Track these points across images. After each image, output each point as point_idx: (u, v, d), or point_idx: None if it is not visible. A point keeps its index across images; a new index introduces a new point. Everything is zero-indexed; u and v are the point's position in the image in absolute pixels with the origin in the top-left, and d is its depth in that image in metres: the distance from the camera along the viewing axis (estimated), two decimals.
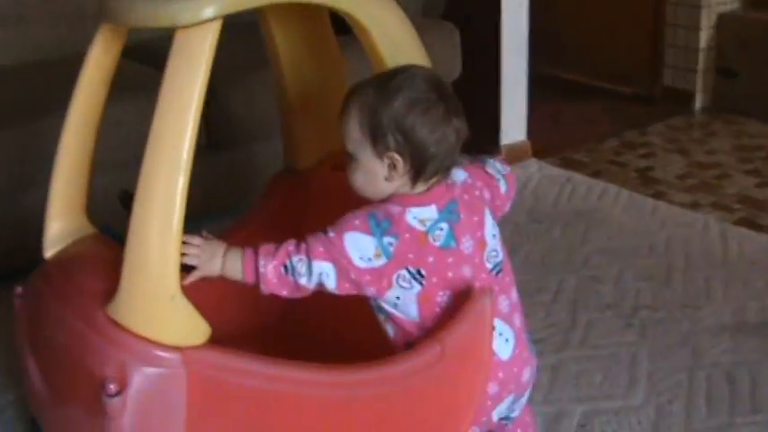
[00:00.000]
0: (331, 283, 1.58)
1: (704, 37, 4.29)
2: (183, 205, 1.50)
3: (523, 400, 1.79)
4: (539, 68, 3.69)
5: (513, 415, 1.78)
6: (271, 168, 2.94)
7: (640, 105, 4.45)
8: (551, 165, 3.64)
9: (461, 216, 1.64)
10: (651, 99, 4.49)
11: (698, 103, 4.38)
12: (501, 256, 1.71)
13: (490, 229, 1.70)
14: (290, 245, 1.58)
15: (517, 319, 1.75)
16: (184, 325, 1.54)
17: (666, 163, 3.71)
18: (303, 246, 1.57)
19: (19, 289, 1.89)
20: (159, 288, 1.52)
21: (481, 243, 1.67)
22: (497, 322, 1.69)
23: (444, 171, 1.63)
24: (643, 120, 4.21)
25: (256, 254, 1.58)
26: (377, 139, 1.58)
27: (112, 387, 1.50)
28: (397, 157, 1.58)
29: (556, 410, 2.16)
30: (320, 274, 1.57)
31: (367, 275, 1.58)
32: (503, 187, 1.77)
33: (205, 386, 1.54)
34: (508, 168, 1.83)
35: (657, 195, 3.36)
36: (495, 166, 1.79)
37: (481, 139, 3.46)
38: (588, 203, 3.28)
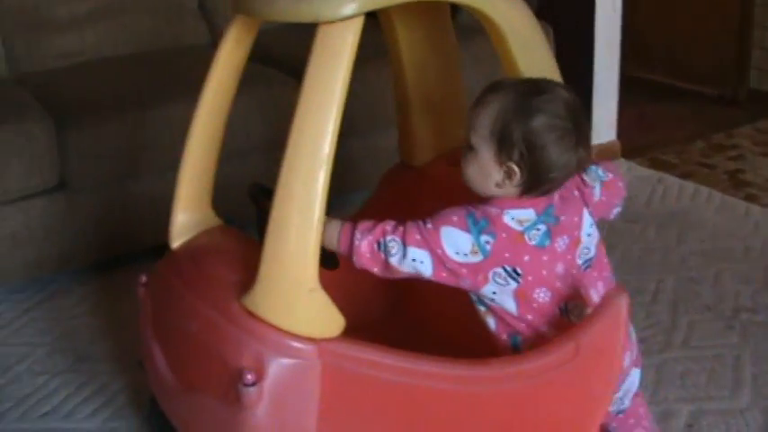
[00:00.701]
0: (427, 271, 1.60)
1: None
2: (324, 199, 1.52)
3: (632, 388, 1.80)
4: (623, 69, 3.67)
5: (623, 407, 1.80)
6: (369, 162, 2.99)
7: (725, 107, 4.41)
8: (641, 165, 3.62)
9: (560, 218, 1.65)
10: (736, 101, 4.44)
11: None
12: (592, 252, 1.72)
13: (587, 228, 1.70)
14: (387, 224, 1.61)
15: None
16: (321, 317, 1.56)
17: (757, 166, 3.67)
18: (401, 229, 1.60)
19: (143, 278, 1.92)
20: (298, 281, 1.54)
21: (576, 241, 1.68)
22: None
23: (553, 191, 1.64)
24: (729, 122, 4.17)
25: (354, 227, 1.61)
26: (503, 146, 1.58)
27: (250, 377, 1.53)
28: (515, 169, 1.58)
29: (662, 410, 2.15)
30: (413, 260, 1.59)
31: (463, 269, 1.60)
32: (596, 195, 1.76)
33: (339, 378, 1.56)
34: (610, 175, 1.81)
35: (749, 198, 3.33)
36: (594, 173, 1.77)
37: None
38: (681, 205, 3.26)
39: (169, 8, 3.38)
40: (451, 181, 1.79)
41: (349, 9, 1.52)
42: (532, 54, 1.80)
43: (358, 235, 1.60)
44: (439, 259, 1.59)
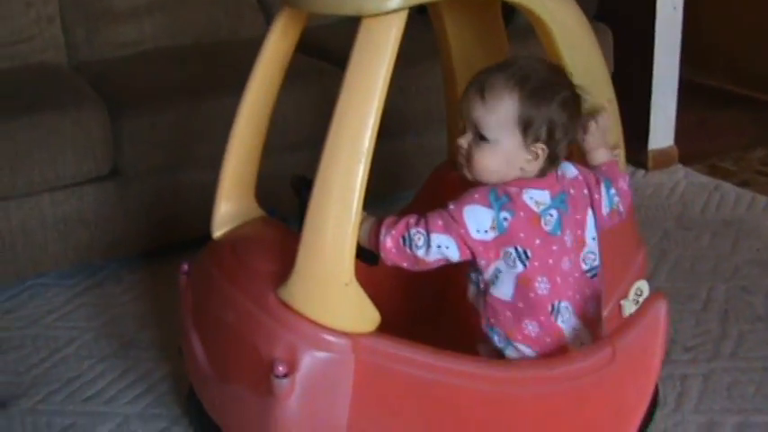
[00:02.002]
0: (454, 255, 1.62)
1: None
2: (363, 194, 1.52)
3: None
4: (682, 73, 3.61)
5: None
6: (421, 160, 2.98)
7: None
8: (698, 172, 3.56)
9: (569, 209, 1.69)
10: None
11: None
12: (598, 261, 1.74)
13: (591, 230, 1.73)
14: (410, 218, 1.62)
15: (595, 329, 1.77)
16: (355, 312, 1.56)
17: None
18: (423, 220, 1.61)
19: (185, 266, 1.93)
20: (334, 274, 1.54)
21: (580, 242, 1.71)
22: (578, 323, 1.72)
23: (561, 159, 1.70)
24: None
25: (380, 224, 1.62)
26: (529, 131, 1.62)
27: (281, 368, 1.53)
28: (543, 147, 1.63)
29: (707, 420, 2.11)
30: (439, 246, 1.60)
31: (480, 246, 1.61)
32: (604, 209, 1.78)
33: (372, 373, 1.56)
34: (621, 207, 1.83)
35: None
36: (609, 199, 1.79)
37: (629, 143, 3.42)
38: (737, 213, 3.20)
39: (227, 0, 3.39)
40: None
41: (393, 3, 1.52)
42: (581, 54, 1.79)
43: (383, 231, 1.61)
44: (462, 240, 1.60)
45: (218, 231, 1.89)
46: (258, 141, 1.88)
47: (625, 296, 1.96)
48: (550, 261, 1.65)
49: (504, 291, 1.67)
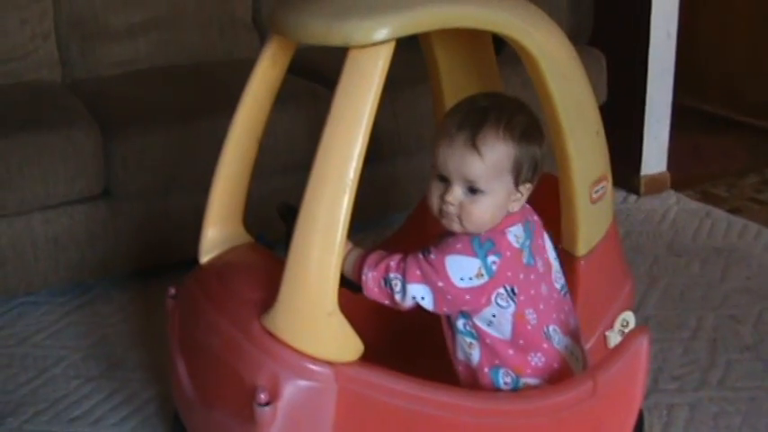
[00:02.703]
0: (428, 305, 1.62)
1: None
2: (347, 224, 1.52)
3: None
4: (677, 98, 3.62)
5: None
6: (413, 183, 2.99)
7: None
8: (690, 198, 3.57)
9: (534, 235, 1.70)
10: None
11: None
12: (564, 279, 1.77)
13: (551, 251, 1.76)
14: (392, 260, 1.62)
15: (581, 341, 1.79)
16: (339, 341, 1.57)
17: None
18: (402, 265, 1.61)
19: (172, 290, 1.94)
20: (317, 304, 1.54)
21: (548, 265, 1.73)
22: (569, 341, 1.73)
23: None
24: None
25: (364, 258, 1.63)
26: (519, 175, 1.63)
27: (264, 396, 1.53)
28: (529, 186, 1.66)
29: None
30: (414, 297, 1.61)
31: (467, 295, 1.61)
32: None
33: (354, 403, 1.57)
34: None
35: None
36: None
37: (621, 168, 3.42)
38: (728, 240, 3.21)
39: (222, 21, 3.40)
40: None
41: (381, 34, 1.52)
42: (569, 85, 1.79)
43: (365, 270, 1.62)
44: (440, 292, 1.60)
45: (205, 256, 1.89)
46: (247, 167, 1.89)
47: (610, 327, 1.96)
48: (532, 291, 1.66)
49: (502, 331, 1.67)
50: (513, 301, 1.63)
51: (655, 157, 3.57)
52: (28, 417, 2.26)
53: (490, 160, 1.59)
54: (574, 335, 1.76)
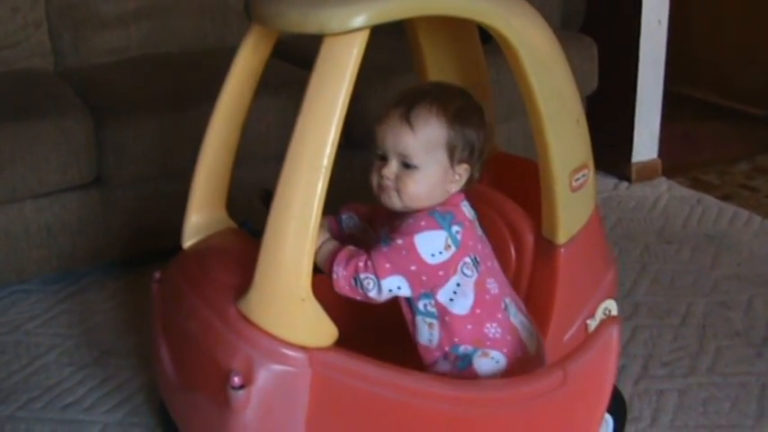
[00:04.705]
0: (405, 292, 1.66)
1: None
2: (321, 210, 1.53)
3: None
4: (668, 85, 3.62)
5: None
6: None
7: None
8: (681, 185, 3.58)
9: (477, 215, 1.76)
10: None
11: None
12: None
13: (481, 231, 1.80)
14: (360, 260, 1.63)
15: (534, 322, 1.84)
16: (312, 326, 1.58)
17: None
18: (369, 264, 1.62)
19: (157, 274, 1.95)
20: (291, 289, 1.55)
21: (490, 245, 1.78)
22: (524, 318, 1.78)
23: None
24: None
25: (336, 254, 1.65)
26: (453, 153, 1.67)
27: (237, 380, 1.54)
28: (466, 167, 1.70)
29: None
30: (390, 290, 1.63)
31: (440, 270, 1.65)
32: None
33: (328, 388, 1.58)
34: None
35: None
36: None
37: (612, 155, 3.44)
38: (719, 227, 3.22)
39: (214, 9, 3.41)
40: (476, 192, 1.81)
41: (356, 22, 1.53)
42: (549, 74, 1.78)
43: (335, 268, 1.63)
44: (414, 275, 1.62)
45: (188, 242, 1.91)
46: (229, 154, 1.90)
47: (592, 316, 1.97)
48: (489, 263, 1.73)
49: (463, 304, 1.70)
50: (477, 269, 1.69)
51: (646, 144, 3.58)
52: (21, 404, 2.28)
53: (422, 135, 1.65)
54: (526, 315, 1.81)
